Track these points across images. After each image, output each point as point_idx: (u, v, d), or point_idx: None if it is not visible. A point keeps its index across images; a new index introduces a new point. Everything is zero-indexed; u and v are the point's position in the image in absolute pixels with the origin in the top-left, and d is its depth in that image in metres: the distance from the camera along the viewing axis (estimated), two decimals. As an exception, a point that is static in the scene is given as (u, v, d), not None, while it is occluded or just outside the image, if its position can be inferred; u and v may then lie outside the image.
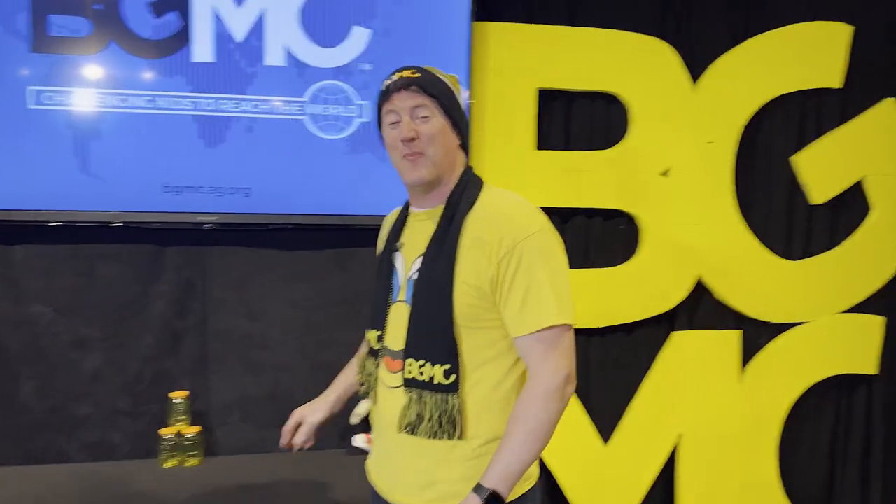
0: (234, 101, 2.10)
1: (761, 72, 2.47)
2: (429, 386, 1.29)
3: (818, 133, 2.56)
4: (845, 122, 2.56)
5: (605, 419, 2.47)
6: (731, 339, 2.52)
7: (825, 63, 2.52)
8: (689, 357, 2.50)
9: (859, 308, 2.61)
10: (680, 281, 2.47)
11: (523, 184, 2.29)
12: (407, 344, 1.32)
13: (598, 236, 2.46)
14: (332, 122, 2.17)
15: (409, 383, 1.31)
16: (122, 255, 2.17)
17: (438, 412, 1.29)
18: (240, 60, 2.10)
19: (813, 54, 2.51)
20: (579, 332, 2.41)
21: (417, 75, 1.34)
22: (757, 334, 2.57)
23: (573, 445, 2.42)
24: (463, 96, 1.49)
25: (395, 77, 1.34)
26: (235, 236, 2.22)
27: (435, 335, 1.29)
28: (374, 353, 1.40)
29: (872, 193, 2.59)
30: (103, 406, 2.17)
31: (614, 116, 2.43)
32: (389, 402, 1.35)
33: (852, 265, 2.60)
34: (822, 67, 2.52)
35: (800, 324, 2.57)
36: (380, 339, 1.39)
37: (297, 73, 2.13)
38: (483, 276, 1.27)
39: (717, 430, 2.53)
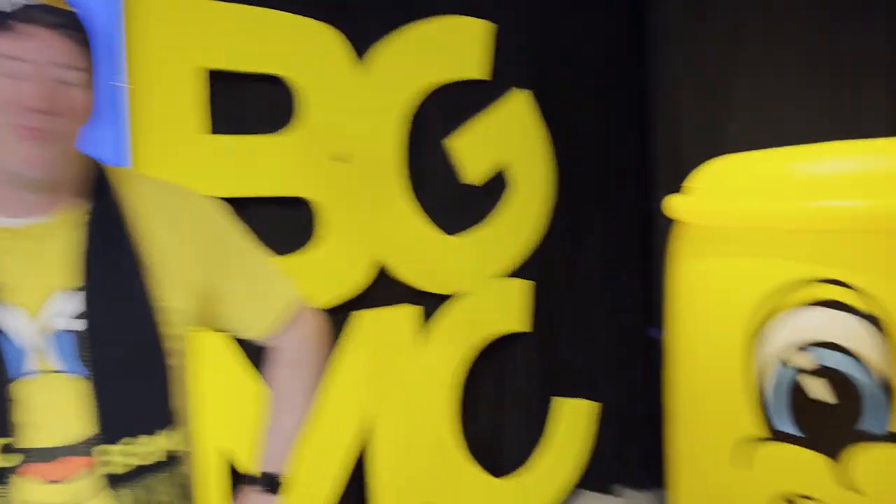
0: None
1: (418, 60, 2.62)
2: (152, 468, 0.93)
3: (469, 120, 2.82)
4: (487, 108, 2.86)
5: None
6: (410, 313, 2.66)
7: (470, 55, 2.77)
8: (373, 334, 2.57)
9: (511, 275, 2.95)
10: (360, 263, 2.53)
11: (194, 172, 2.12)
12: (100, 427, 0.90)
13: (275, 225, 2.39)
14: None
15: (118, 480, 0.91)
16: None
17: (175, 492, 0.94)
18: None
19: (459, 46, 2.74)
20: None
21: (70, 9, 0.89)
22: (434, 307, 2.75)
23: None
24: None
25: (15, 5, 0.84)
26: None
27: (148, 399, 0.94)
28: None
29: (513, 173, 2.93)
30: None
31: (284, 100, 2.37)
32: None
33: (502, 237, 2.92)
34: (468, 59, 2.77)
35: (465, 294, 2.82)
36: (8, 447, 0.88)
37: None
38: (192, 291, 0.98)
39: (403, 403, 2.65)
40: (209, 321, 1.06)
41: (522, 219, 2.97)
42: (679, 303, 2.06)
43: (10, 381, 0.89)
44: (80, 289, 0.92)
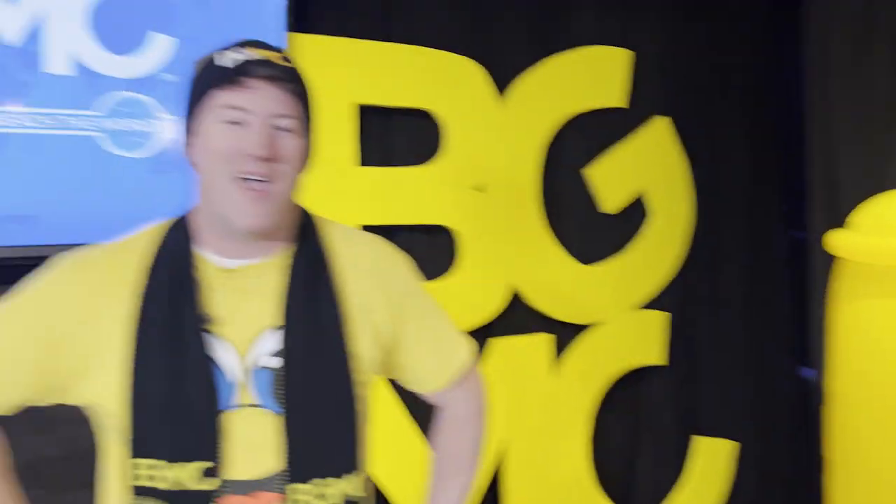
0: (11, 116, 1.79)
1: (557, 91, 2.63)
2: None
3: (608, 148, 2.80)
4: (628, 136, 2.82)
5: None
6: (544, 342, 2.66)
7: (610, 84, 2.76)
8: (507, 363, 2.59)
9: (648, 306, 2.88)
10: (497, 291, 2.55)
11: (343, 202, 2.23)
12: (290, 465, 0.93)
13: (418, 252, 2.46)
14: (133, 139, 1.94)
15: None
16: None
17: None
18: (14, 67, 1.80)
19: (599, 76, 2.73)
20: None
21: (289, 64, 0.95)
22: (567, 337, 2.73)
23: (403, 460, 2.39)
24: None
25: (251, 54, 0.92)
26: (15, 272, 1.89)
27: (338, 442, 0.96)
28: (188, 500, 0.92)
29: (651, 202, 2.88)
30: None
31: (430, 133, 2.45)
32: None
33: (639, 267, 2.87)
34: (607, 88, 2.75)
35: (600, 324, 2.78)
36: (208, 473, 0.92)
37: (87, 83, 1.88)
38: (380, 341, 1.02)
39: (536, 435, 2.64)
40: (386, 371, 1.10)
41: (661, 248, 2.90)
42: (841, 343, 1.94)
43: (220, 411, 0.94)
44: (280, 328, 0.96)
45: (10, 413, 1.01)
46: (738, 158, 3.06)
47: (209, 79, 0.94)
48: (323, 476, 0.95)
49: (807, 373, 2.91)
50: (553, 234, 2.67)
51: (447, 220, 2.46)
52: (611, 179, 2.79)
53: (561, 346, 2.73)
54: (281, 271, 0.98)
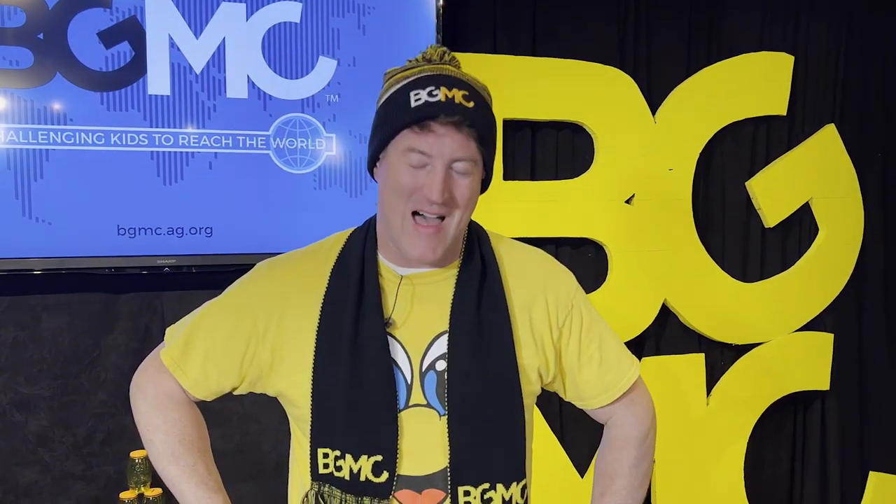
0: (193, 136, 1.97)
1: (714, 100, 2.53)
2: None
3: (766, 158, 2.65)
4: (791, 147, 2.66)
5: (582, 452, 2.44)
6: (696, 362, 2.56)
7: (771, 91, 2.61)
8: (658, 382, 2.51)
9: (810, 325, 2.70)
10: (647, 306, 2.49)
11: (491, 215, 2.25)
12: (454, 466, 0.97)
13: (566, 265, 2.45)
14: (299, 157, 2.07)
15: None
16: (70, 305, 1.99)
17: None
18: (199, 92, 1.98)
19: (759, 83, 2.60)
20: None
21: (472, 104, 0.96)
22: (720, 356, 2.61)
23: (551, 480, 2.38)
24: None
25: (438, 94, 0.93)
26: (195, 279, 2.08)
27: (501, 447, 0.98)
28: (365, 490, 0.97)
29: (819, 215, 2.69)
30: (53, 471, 1.97)
31: (577, 146, 2.43)
32: None
33: (803, 285, 2.69)
34: (768, 95, 2.61)
35: (758, 344, 2.63)
36: (383, 466, 0.97)
37: (261, 106, 2.03)
38: (544, 352, 1.04)
39: (688, 453, 2.54)
40: (551, 383, 1.11)
41: (828, 264, 2.71)
42: None
43: (398, 410, 0.99)
44: (449, 337, 1.00)
45: (213, 398, 1.10)
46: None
47: (401, 117, 0.96)
48: (488, 481, 0.98)
49: None
50: (706, 250, 2.56)
51: (597, 234, 2.43)
52: (774, 191, 2.64)
53: (716, 366, 2.61)
54: (451, 279, 1.04)
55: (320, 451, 0.99)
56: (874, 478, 2.77)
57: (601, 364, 1.09)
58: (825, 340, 2.72)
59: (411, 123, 0.95)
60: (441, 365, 0.99)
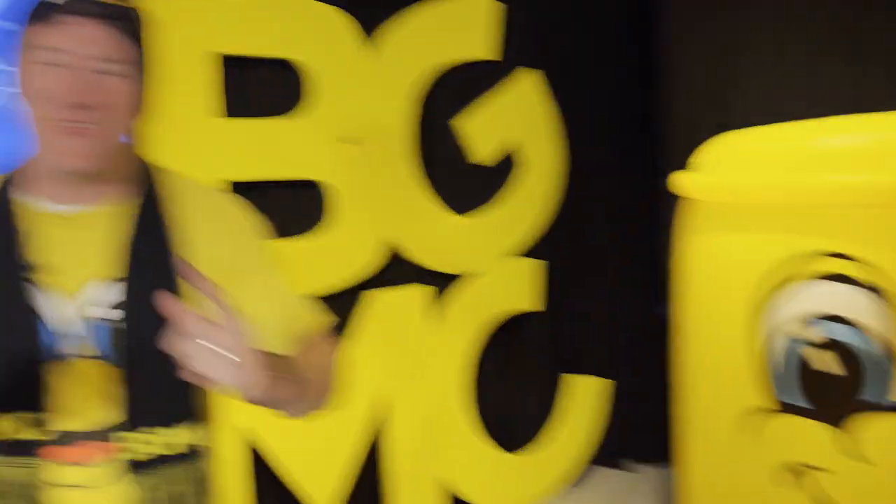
0: None
1: (428, 40, 2.63)
2: (173, 459, 0.95)
3: (477, 99, 2.83)
4: (498, 89, 2.87)
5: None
6: (422, 293, 2.70)
7: (480, 35, 2.78)
8: (384, 316, 2.61)
9: (522, 254, 2.97)
10: (372, 246, 2.57)
11: (203, 156, 2.17)
12: (126, 415, 0.92)
13: (286, 207, 2.43)
14: (-37, 91, 1.80)
15: (139, 467, 0.93)
16: None
17: (193, 485, 0.96)
18: None
19: (470, 26, 2.75)
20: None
21: (122, 1, 0.89)
22: (444, 286, 2.79)
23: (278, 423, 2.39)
24: None
25: None
26: None
27: (173, 391, 0.94)
28: (8, 448, 0.91)
29: (523, 153, 2.95)
30: None
31: (293, 83, 2.40)
32: None
33: (513, 217, 2.95)
34: (478, 39, 2.78)
35: (477, 274, 2.85)
36: (37, 422, 0.90)
37: None
38: None
39: (418, 382, 2.70)
40: None
41: (533, 198, 2.99)
42: (686, 279, 2.08)
43: (44, 362, 0.91)
44: (120, 280, 0.93)
45: None
46: (605, 109, 3.18)
47: (30, 15, 0.88)
48: (155, 424, 0.95)
49: (664, 309, 3.10)
50: (427, 187, 2.69)
51: (317, 174, 2.44)
52: (481, 131, 2.83)
53: (441, 296, 2.78)
54: (117, 220, 0.96)
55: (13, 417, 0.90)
56: (571, 380, 3.16)
57: (276, 310, 1.07)
58: (536, 266, 3.02)
59: (39, 18, 0.86)
60: (114, 314, 0.93)
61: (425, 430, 2.72)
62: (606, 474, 3.24)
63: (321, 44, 2.38)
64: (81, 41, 0.86)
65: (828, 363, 1.64)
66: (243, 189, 2.30)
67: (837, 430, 1.64)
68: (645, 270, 3.27)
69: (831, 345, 1.64)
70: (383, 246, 2.59)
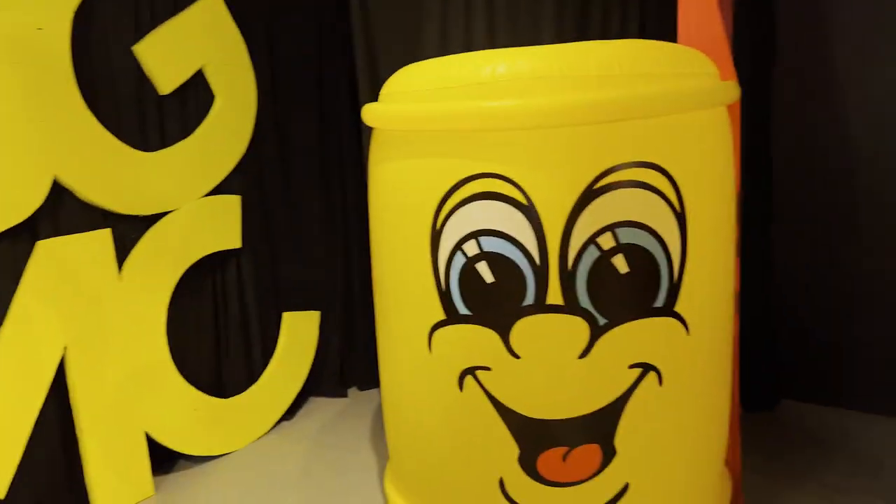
0: None
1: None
2: None
3: (153, 23, 2.60)
4: (178, 11, 2.65)
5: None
6: (102, 238, 2.46)
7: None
8: (61, 265, 2.35)
9: (218, 190, 2.84)
10: (34, 183, 2.27)
11: None
12: None
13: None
14: None
15: None
16: None
17: None
18: None
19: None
20: None
21: None
22: (129, 230, 2.57)
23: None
24: None
25: None
26: None
27: None
28: None
29: (214, 81, 2.79)
30: None
31: None
32: None
33: (206, 151, 2.79)
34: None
35: (168, 213, 2.67)
36: None
37: None
38: None
39: (104, 332, 2.48)
40: None
41: (229, 130, 2.86)
42: (374, 205, 2.14)
43: None
44: None
45: None
46: (301, 36, 3.11)
47: None
48: None
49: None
50: (97, 119, 2.42)
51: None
52: (164, 58, 2.61)
53: (126, 240, 2.56)
54: None
55: None
56: (287, 317, 3.17)
57: None
58: (233, 202, 2.91)
59: None
60: None
61: (123, 382, 2.54)
62: (325, 403, 3.32)
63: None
64: None
65: (486, 274, 1.80)
66: None
67: (501, 335, 1.82)
68: (352, 200, 3.32)
69: (490, 257, 1.80)
70: (50, 186, 2.30)
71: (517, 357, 1.81)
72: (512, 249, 1.78)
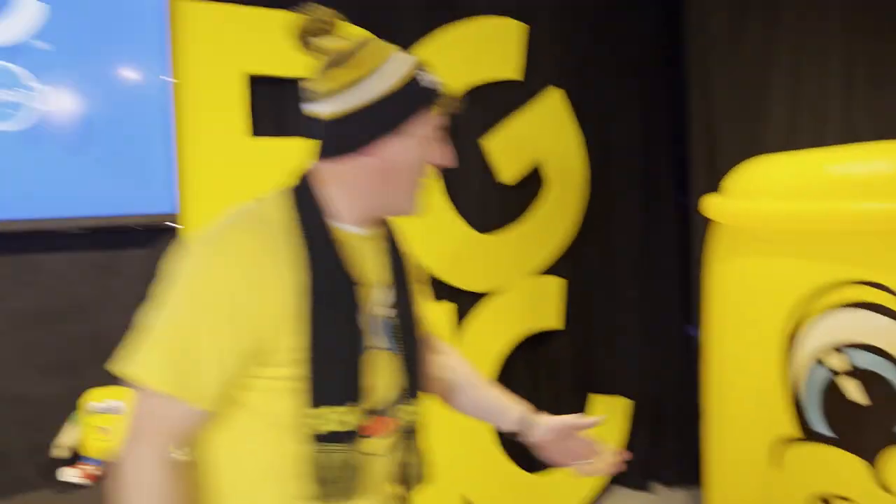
0: None
1: (454, 61, 2.65)
2: (415, 426, 1.20)
3: (501, 119, 2.84)
4: (522, 109, 2.88)
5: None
6: (445, 310, 2.71)
7: (505, 55, 2.80)
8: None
9: (545, 272, 2.97)
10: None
11: (239, 172, 2.20)
12: (404, 393, 1.16)
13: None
14: (2, 110, 1.84)
15: (406, 432, 1.19)
16: None
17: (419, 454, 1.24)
18: None
19: (495, 47, 2.77)
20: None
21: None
22: (469, 305, 2.79)
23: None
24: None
25: (433, 76, 1.11)
26: None
27: (420, 373, 1.20)
28: (345, 438, 1.06)
29: (548, 172, 2.96)
30: None
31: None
32: (379, 475, 1.15)
33: (536, 235, 2.95)
34: (502, 59, 2.79)
35: (497, 292, 2.85)
36: (355, 411, 1.07)
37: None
38: None
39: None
40: None
41: (557, 216, 2.99)
42: (715, 302, 2.06)
43: (361, 358, 1.08)
44: (390, 285, 1.15)
45: (217, 406, 1.04)
46: (629, 128, 3.18)
47: (424, 97, 1.09)
48: (415, 399, 1.18)
49: (692, 331, 3.08)
50: (452, 205, 2.70)
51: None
52: (507, 150, 2.84)
53: (463, 314, 2.78)
54: (382, 241, 1.19)
55: (324, 410, 1.04)
56: (594, 399, 3.15)
57: None
58: (558, 284, 3.01)
59: (430, 101, 1.09)
60: (392, 312, 1.14)
61: (448, 448, 2.71)
62: (631, 496, 3.21)
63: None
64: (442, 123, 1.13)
65: (857, 393, 1.62)
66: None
67: (869, 462, 1.61)
68: (673, 292, 3.25)
69: (861, 374, 1.62)
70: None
71: (888, 492, 1.59)
72: (887, 366, 1.58)
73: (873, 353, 1.59)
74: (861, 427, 1.63)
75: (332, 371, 1.04)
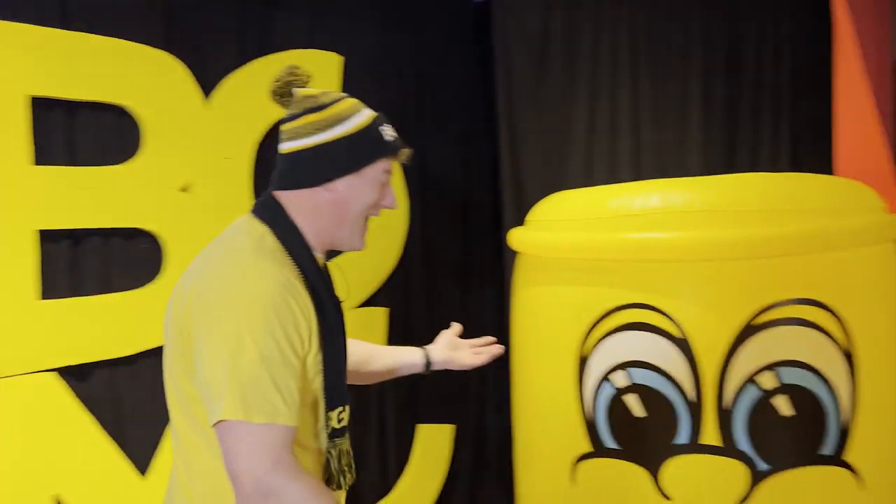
0: None
1: (265, 94, 2.61)
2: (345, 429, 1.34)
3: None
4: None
5: (143, 451, 2.33)
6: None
7: (320, 88, 2.79)
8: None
9: (367, 302, 2.98)
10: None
11: (21, 204, 2.03)
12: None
13: (118, 258, 2.31)
14: None
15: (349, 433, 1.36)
16: None
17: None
18: None
19: (311, 81, 2.76)
20: (106, 364, 2.25)
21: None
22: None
23: (107, 483, 2.23)
24: None
25: (395, 137, 1.32)
26: None
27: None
28: (343, 433, 1.32)
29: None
30: None
31: (123, 129, 2.30)
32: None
33: (359, 265, 2.95)
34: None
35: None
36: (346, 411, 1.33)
37: None
38: None
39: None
40: None
41: (380, 247, 3.01)
42: (518, 328, 2.17)
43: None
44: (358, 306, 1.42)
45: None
46: (449, 162, 3.28)
47: (382, 148, 1.33)
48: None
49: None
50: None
51: (149, 224, 2.33)
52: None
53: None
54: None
55: (334, 413, 1.27)
56: (422, 429, 3.19)
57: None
58: (381, 315, 3.03)
59: (385, 153, 1.32)
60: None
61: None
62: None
63: (154, 90, 2.31)
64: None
65: (636, 407, 1.76)
66: (81, 236, 2.18)
67: (650, 472, 1.75)
68: (490, 320, 3.36)
69: (640, 390, 1.76)
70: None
71: (668, 498, 1.73)
72: (664, 383, 1.73)
73: (650, 369, 1.74)
74: (643, 439, 1.77)
75: (337, 378, 1.27)
